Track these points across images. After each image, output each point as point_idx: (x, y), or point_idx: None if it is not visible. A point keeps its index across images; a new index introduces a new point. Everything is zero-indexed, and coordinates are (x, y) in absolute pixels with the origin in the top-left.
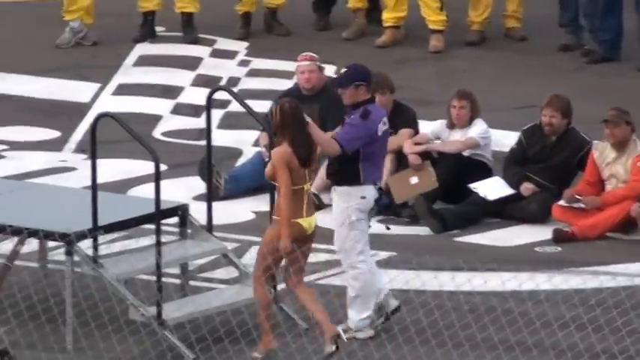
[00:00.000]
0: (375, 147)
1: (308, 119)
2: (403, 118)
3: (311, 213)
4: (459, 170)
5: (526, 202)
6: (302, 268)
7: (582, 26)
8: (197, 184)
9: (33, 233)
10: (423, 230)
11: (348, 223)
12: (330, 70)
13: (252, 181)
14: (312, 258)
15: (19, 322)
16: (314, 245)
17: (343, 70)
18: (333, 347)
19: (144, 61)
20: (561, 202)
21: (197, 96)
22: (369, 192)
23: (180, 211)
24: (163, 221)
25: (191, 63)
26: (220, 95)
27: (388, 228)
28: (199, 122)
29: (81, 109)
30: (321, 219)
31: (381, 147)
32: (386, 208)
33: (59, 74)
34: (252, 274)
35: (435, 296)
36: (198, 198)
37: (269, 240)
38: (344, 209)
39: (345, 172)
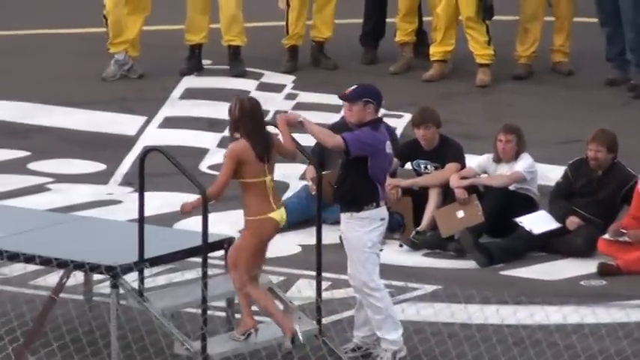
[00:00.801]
0: (382, 164)
1: (301, 117)
2: (450, 152)
3: (280, 205)
4: (505, 204)
5: (572, 236)
6: (261, 265)
7: (629, 61)
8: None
9: (79, 266)
10: (469, 264)
11: (369, 247)
12: None
13: (299, 215)
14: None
15: (64, 355)
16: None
17: (353, 87)
18: (290, 344)
19: (190, 94)
20: (606, 236)
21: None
22: (385, 213)
23: (227, 244)
24: (209, 254)
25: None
26: (268, 128)
27: (401, 245)
28: None
29: (127, 141)
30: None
31: (387, 168)
32: (398, 226)
33: (105, 107)
34: (238, 284)
35: (480, 329)
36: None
37: (245, 244)
38: (363, 234)
39: (362, 192)
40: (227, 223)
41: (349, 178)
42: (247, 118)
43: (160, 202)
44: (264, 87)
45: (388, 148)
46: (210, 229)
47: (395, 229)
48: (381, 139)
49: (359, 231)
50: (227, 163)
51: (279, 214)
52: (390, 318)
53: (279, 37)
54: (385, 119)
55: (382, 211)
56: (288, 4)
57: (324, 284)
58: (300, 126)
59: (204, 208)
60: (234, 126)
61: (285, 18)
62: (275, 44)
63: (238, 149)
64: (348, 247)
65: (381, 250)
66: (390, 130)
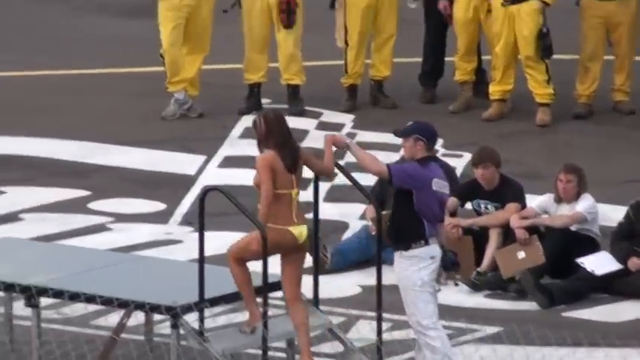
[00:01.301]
0: (428, 200)
1: (348, 140)
2: (510, 192)
3: (302, 222)
4: (566, 245)
5: (634, 277)
6: (299, 281)
7: None
8: None
9: (139, 306)
10: (530, 305)
11: (419, 286)
12: (437, 144)
13: (358, 255)
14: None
15: None
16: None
17: (408, 123)
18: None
19: (250, 133)
20: None
21: (303, 168)
22: (436, 251)
23: None
24: (269, 294)
25: (297, 135)
26: None
27: (457, 284)
28: (306, 195)
29: (187, 181)
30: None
31: (438, 207)
32: (452, 264)
33: (165, 146)
34: (230, 251)
35: None
36: (304, 271)
37: (254, 248)
38: (412, 273)
39: (409, 228)
40: None
41: (397, 215)
42: (274, 131)
43: (220, 241)
44: (323, 126)
45: (437, 185)
46: (271, 269)
47: (448, 267)
48: (428, 176)
49: (408, 270)
50: (264, 174)
51: (299, 230)
52: (447, 358)
53: (338, 76)
54: (445, 159)
55: (432, 250)
56: (346, 43)
57: (385, 325)
58: (346, 149)
59: (264, 248)
60: (264, 141)
61: (344, 57)
62: (334, 83)
63: (269, 158)
64: (400, 286)
65: (438, 290)
66: (450, 170)
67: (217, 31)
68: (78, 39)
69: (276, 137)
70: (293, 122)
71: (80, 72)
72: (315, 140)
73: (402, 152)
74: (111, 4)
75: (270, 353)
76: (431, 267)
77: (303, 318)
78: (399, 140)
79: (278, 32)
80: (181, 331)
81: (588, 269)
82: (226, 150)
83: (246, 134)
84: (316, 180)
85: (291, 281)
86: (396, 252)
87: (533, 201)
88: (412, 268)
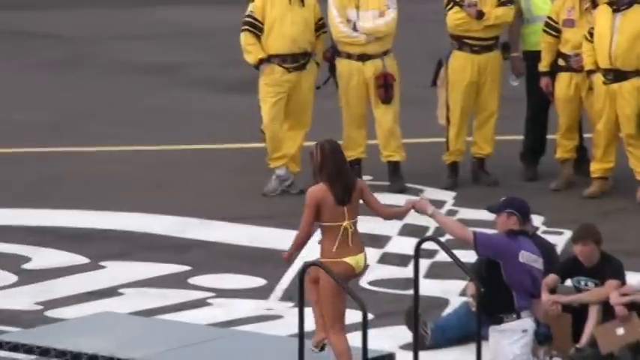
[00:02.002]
0: (517, 273)
1: (431, 210)
2: (609, 269)
3: (359, 250)
4: None
5: None
6: (343, 313)
7: None
8: (403, 334)
9: None
10: None
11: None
12: (537, 221)
13: (459, 331)
14: None
15: None
16: None
17: (502, 199)
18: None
19: None
20: None
21: (404, 245)
22: (528, 324)
23: None
24: None
25: None
26: (428, 245)
27: (551, 358)
28: (406, 272)
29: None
30: None
31: (529, 280)
32: (545, 338)
33: (265, 222)
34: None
35: None
36: (404, 347)
37: (327, 285)
38: (505, 347)
39: (499, 299)
40: (386, 337)
41: (488, 289)
42: (329, 161)
43: None
44: None
45: (525, 258)
46: (371, 345)
47: (542, 341)
48: (514, 247)
49: (500, 343)
50: (306, 211)
51: (355, 260)
52: None
53: (439, 153)
54: (545, 236)
55: (524, 323)
56: (448, 121)
57: None
58: (429, 215)
59: (363, 324)
60: (318, 172)
61: (446, 134)
62: (435, 160)
63: (315, 194)
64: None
65: None
66: (549, 247)
67: (316, 106)
68: (178, 114)
69: (330, 168)
70: (394, 199)
71: (180, 147)
72: (416, 217)
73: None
74: (211, 79)
75: None
76: (522, 340)
77: (344, 345)
78: None
79: (376, 108)
80: None
81: None
82: None
83: None
84: (416, 256)
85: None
86: (490, 326)
87: (633, 278)
88: (504, 342)
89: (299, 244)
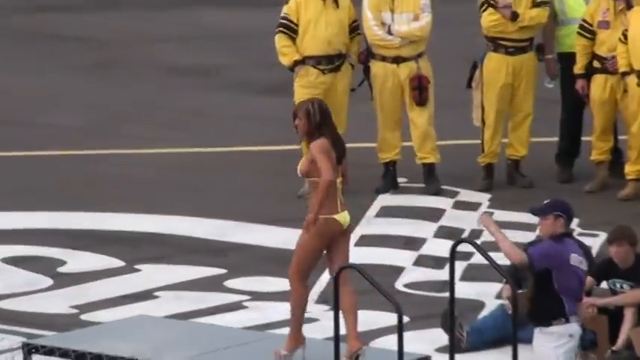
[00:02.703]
0: (567, 277)
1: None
2: None
3: (344, 208)
4: None
5: None
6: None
7: None
8: (439, 337)
9: None
10: None
11: None
12: (573, 223)
13: (495, 334)
14: None
15: None
16: None
17: (545, 202)
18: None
19: (386, 212)
20: None
21: (440, 248)
22: (575, 329)
23: None
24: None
25: (434, 214)
26: (463, 247)
27: None
28: (442, 274)
29: (323, 259)
30: None
31: (577, 283)
32: (591, 344)
33: (301, 225)
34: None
35: None
36: (440, 350)
37: (305, 243)
38: (550, 349)
39: (549, 307)
40: (422, 340)
41: (537, 294)
42: (328, 120)
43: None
44: (460, 205)
45: (575, 261)
46: (407, 348)
47: (586, 347)
48: (564, 252)
49: (545, 345)
50: (323, 157)
51: (343, 217)
52: None
53: (474, 155)
54: (581, 238)
55: (571, 328)
56: (483, 122)
57: None
58: (490, 233)
59: (399, 327)
60: (317, 130)
61: (481, 136)
62: (470, 162)
63: (325, 145)
64: None
65: None
66: (585, 249)
67: (351, 109)
68: (213, 116)
69: (330, 126)
70: (430, 201)
71: (217, 150)
72: (452, 219)
73: (537, 232)
74: (246, 82)
75: None
76: (568, 345)
77: (352, 301)
78: (535, 219)
79: (411, 110)
80: None
81: None
82: (363, 229)
83: (382, 213)
84: (452, 258)
85: (339, 266)
86: (535, 327)
87: None
88: (549, 345)
89: (324, 197)
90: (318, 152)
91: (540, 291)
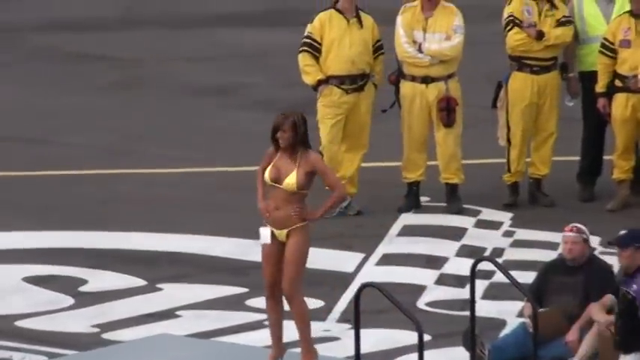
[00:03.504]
0: None
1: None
2: None
3: None
4: None
5: None
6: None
7: None
8: (461, 355)
9: None
10: None
11: None
12: (594, 242)
13: (516, 352)
14: None
15: None
16: None
17: (623, 232)
18: None
19: (408, 231)
20: None
21: (461, 266)
22: None
23: None
24: None
25: (455, 233)
26: (485, 266)
27: None
28: (463, 293)
29: (345, 278)
30: None
31: None
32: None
33: (323, 244)
34: (291, 291)
35: None
36: None
37: (304, 247)
38: None
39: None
40: (444, 358)
41: (629, 328)
42: (306, 130)
43: (377, 338)
44: (481, 224)
45: None
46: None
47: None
48: None
49: None
50: (330, 169)
51: None
52: None
53: (496, 174)
54: (602, 256)
55: None
56: (509, 142)
57: None
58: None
59: (420, 345)
60: (305, 141)
61: (507, 155)
62: (492, 181)
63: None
64: None
65: None
66: (607, 268)
67: (375, 127)
68: (236, 135)
69: (306, 138)
70: (451, 220)
71: (239, 169)
72: (474, 238)
73: (559, 250)
74: (270, 100)
75: None
76: None
77: (307, 308)
78: (557, 238)
79: (438, 131)
80: None
81: None
82: (385, 248)
83: (404, 232)
84: (472, 276)
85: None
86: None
87: None
88: None
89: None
90: (325, 165)
91: (630, 321)
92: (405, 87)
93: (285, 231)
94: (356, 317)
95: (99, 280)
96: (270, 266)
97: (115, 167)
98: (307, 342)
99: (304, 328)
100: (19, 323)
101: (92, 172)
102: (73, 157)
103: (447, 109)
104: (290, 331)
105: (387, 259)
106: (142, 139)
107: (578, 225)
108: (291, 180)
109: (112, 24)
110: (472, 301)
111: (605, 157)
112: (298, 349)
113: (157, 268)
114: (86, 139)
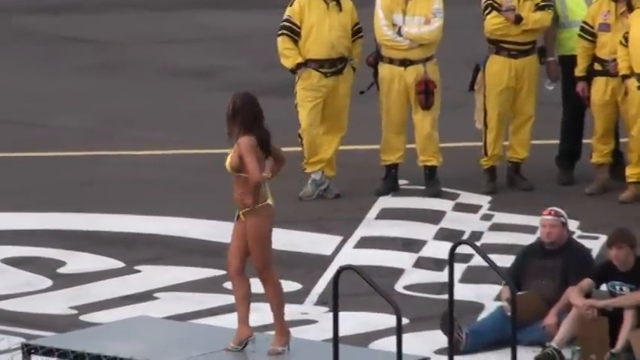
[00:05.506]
0: None
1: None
2: None
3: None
4: None
5: None
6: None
7: None
8: (438, 338)
9: None
10: None
11: None
12: (573, 225)
13: (493, 336)
14: None
15: None
16: None
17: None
18: (239, 347)
19: (386, 214)
20: None
21: (440, 250)
22: None
23: None
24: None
25: (434, 216)
26: (463, 249)
27: None
28: (441, 276)
29: (323, 261)
30: None
31: None
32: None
33: (301, 226)
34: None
35: None
36: (439, 352)
37: (264, 230)
38: None
39: None
40: (421, 342)
41: None
42: (249, 114)
43: (355, 322)
44: (460, 207)
45: None
46: (406, 350)
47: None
48: None
49: None
50: (250, 156)
51: (273, 202)
52: None
53: (474, 158)
54: (581, 240)
55: None
56: (486, 125)
57: None
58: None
59: (398, 329)
60: (241, 124)
61: (483, 139)
62: (470, 164)
63: (250, 141)
64: None
65: None
66: (585, 252)
67: (354, 110)
68: (215, 118)
69: (250, 121)
70: (430, 203)
71: (217, 151)
72: (452, 222)
73: (537, 234)
74: (248, 83)
75: None
76: None
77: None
78: (535, 221)
79: (415, 114)
80: None
81: None
82: (363, 231)
83: (382, 215)
84: (451, 260)
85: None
86: None
87: None
88: None
89: (256, 193)
90: (244, 149)
91: None
92: (384, 69)
93: (242, 212)
94: (334, 300)
95: (77, 261)
96: (232, 242)
97: (95, 149)
98: (281, 322)
99: (278, 309)
100: None
101: (72, 154)
102: (54, 139)
103: (425, 92)
104: (264, 314)
105: (365, 242)
106: (122, 122)
107: (556, 208)
108: (226, 162)
109: (93, 6)
110: (450, 285)
111: (585, 141)
112: (272, 332)
113: (135, 251)
114: (66, 121)
